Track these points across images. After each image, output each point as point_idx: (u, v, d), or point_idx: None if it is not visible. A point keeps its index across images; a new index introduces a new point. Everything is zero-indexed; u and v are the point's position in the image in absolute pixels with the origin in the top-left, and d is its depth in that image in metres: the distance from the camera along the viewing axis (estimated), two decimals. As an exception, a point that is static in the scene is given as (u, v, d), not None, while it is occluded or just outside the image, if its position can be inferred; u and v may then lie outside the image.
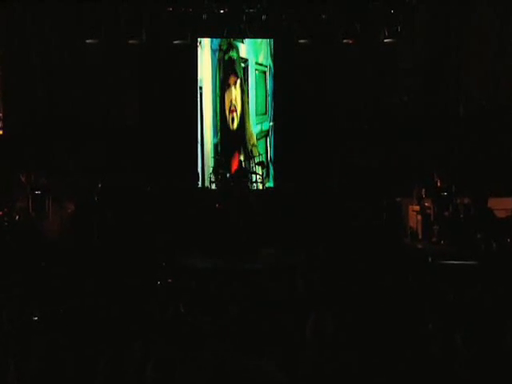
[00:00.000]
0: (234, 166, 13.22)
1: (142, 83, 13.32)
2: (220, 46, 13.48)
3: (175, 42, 12.40)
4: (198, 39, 13.19)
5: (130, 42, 12.32)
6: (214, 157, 13.30)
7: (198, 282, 8.51)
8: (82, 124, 13.02)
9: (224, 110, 13.70)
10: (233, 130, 13.75)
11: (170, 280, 8.55)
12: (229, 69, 13.56)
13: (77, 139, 12.94)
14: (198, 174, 13.40)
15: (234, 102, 13.65)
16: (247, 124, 13.77)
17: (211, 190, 12.77)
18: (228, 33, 12.79)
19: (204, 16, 12.37)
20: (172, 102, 13.14)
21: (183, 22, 12.29)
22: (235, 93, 13.67)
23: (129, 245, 10.49)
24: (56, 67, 12.98)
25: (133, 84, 13.28)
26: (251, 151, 13.63)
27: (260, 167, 12.92)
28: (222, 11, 12.40)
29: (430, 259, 9.66)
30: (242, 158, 13.50)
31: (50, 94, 13.05)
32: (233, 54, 13.50)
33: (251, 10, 12.52)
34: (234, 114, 13.67)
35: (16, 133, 12.91)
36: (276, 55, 13.62)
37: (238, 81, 13.65)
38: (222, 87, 13.60)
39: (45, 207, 11.66)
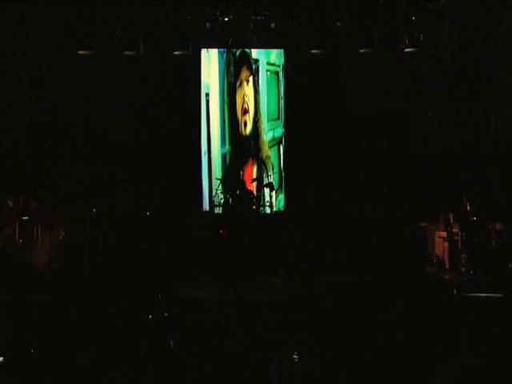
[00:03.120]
0: (247, 180, 13.29)
1: (139, 95, 13.49)
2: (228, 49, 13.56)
3: (175, 53, 12.55)
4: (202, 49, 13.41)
5: (126, 52, 12.51)
6: (221, 178, 13.29)
7: (196, 314, 8.69)
8: (75, 142, 13.23)
9: (235, 114, 13.73)
10: (245, 136, 13.78)
11: (165, 313, 8.55)
12: (242, 64, 13.63)
13: (69, 158, 13.12)
14: (202, 196, 13.52)
15: (246, 99, 13.67)
16: (260, 130, 13.78)
17: (215, 214, 12.83)
18: (233, 43, 12.88)
19: (207, 24, 12.49)
20: (173, 114, 13.30)
21: (184, 31, 12.44)
22: (247, 90, 13.71)
23: (122, 275, 10.58)
24: (46, 81, 13.14)
25: (129, 96, 13.47)
26: (264, 164, 13.67)
27: (268, 189, 12.90)
28: (226, 19, 12.50)
29: (455, 291, 9.62)
30: (254, 170, 13.56)
31: (40, 110, 13.19)
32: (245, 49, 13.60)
33: (258, 18, 12.59)
34: (247, 116, 13.70)
35: (2, 152, 13.00)
36: (287, 66, 13.72)
37: (251, 77, 13.70)
38: (232, 87, 13.66)
39: (33, 234, 11.70)
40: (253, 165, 13.73)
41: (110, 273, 10.89)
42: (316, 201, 12.94)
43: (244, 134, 13.80)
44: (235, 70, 13.63)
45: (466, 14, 13.06)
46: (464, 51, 13.23)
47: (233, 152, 13.76)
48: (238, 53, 13.58)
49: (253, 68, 13.69)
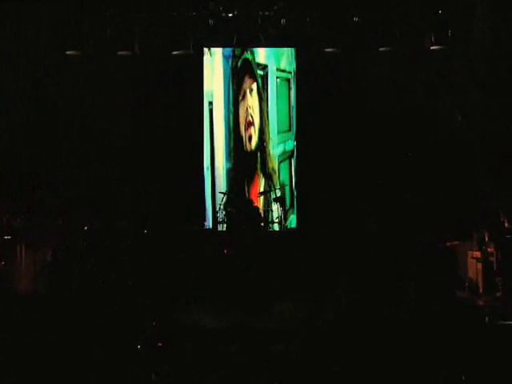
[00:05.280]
0: (253, 198, 13.25)
1: (134, 100, 13.45)
2: (234, 51, 13.58)
3: (174, 52, 12.53)
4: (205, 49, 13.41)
5: (120, 53, 12.48)
6: (226, 192, 13.24)
7: (194, 344, 8.56)
8: (65, 152, 13.19)
9: (238, 126, 13.72)
10: (250, 151, 13.77)
11: (159, 343, 8.49)
12: (244, 72, 13.63)
13: (59, 171, 13.09)
14: (204, 211, 13.44)
15: (250, 111, 13.69)
16: (267, 143, 13.74)
17: (219, 231, 12.79)
18: (238, 41, 12.83)
19: (210, 21, 12.45)
20: (172, 123, 13.24)
21: (184, 29, 12.43)
22: (251, 101, 13.70)
23: (114, 301, 10.50)
24: (35, 85, 13.07)
25: (124, 102, 13.41)
26: (271, 179, 13.60)
27: (278, 204, 12.75)
28: (230, 15, 12.46)
29: (486, 319, 9.43)
30: (261, 186, 13.54)
31: (28, 118, 13.15)
32: (248, 55, 13.57)
33: (266, 13, 12.55)
34: (252, 129, 13.70)
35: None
36: (299, 66, 13.66)
37: (255, 85, 13.67)
38: (236, 98, 13.67)
39: (16, 255, 11.61)
40: (258, 180, 13.67)
41: (101, 298, 10.73)
42: (331, 218, 12.83)
43: (249, 148, 13.79)
44: (238, 80, 13.63)
45: (499, 5, 12.85)
46: (497, 47, 13.01)
47: (237, 167, 13.73)
48: (239, 62, 13.58)
49: (256, 75, 13.66)
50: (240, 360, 7.80)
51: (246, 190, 13.54)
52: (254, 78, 13.68)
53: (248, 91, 13.68)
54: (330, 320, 9.68)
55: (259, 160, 13.75)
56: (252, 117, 13.74)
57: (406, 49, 12.75)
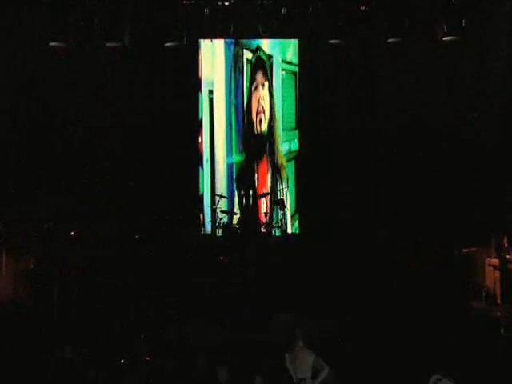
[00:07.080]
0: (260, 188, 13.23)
1: (124, 95, 13.21)
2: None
3: (167, 44, 12.34)
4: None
5: (109, 44, 12.28)
6: (221, 194, 13.08)
7: (184, 359, 8.54)
8: (52, 152, 13.01)
9: (244, 116, 13.58)
10: (260, 138, 13.59)
11: (147, 357, 8.50)
12: (257, 68, 13.54)
13: (45, 172, 12.90)
14: (200, 216, 13.30)
15: (261, 101, 13.56)
16: (275, 129, 13.57)
17: (216, 237, 12.69)
18: (235, 32, 12.61)
19: (205, 10, 12.29)
20: (165, 116, 13.07)
21: (177, 19, 12.24)
22: (263, 93, 13.58)
23: (100, 312, 10.53)
24: (19, 82, 12.84)
25: (113, 97, 13.18)
26: (279, 173, 13.47)
27: (278, 207, 12.72)
28: (226, 3, 12.28)
29: (502, 330, 9.52)
30: (268, 178, 13.41)
31: (13, 116, 12.94)
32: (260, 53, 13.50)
33: (266, 2, 12.33)
34: (262, 116, 13.58)
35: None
36: (302, 58, 13.47)
37: (266, 82, 13.56)
38: (241, 89, 13.56)
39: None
40: (267, 171, 13.51)
41: (86, 309, 10.75)
42: (337, 223, 12.68)
43: (259, 130, 13.60)
44: (251, 73, 13.53)
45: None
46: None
47: (245, 156, 13.58)
48: (253, 59, 13.48)
49: (268, 73, 13.56)
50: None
51: (255, 180, 13.41)
52: (266, 73, 13.55)
53: (260, 85, 13.54)
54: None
55: (268, 150, 13.60)
56: (263, 106, 13.56)
57: (417, 40, 12.50)
